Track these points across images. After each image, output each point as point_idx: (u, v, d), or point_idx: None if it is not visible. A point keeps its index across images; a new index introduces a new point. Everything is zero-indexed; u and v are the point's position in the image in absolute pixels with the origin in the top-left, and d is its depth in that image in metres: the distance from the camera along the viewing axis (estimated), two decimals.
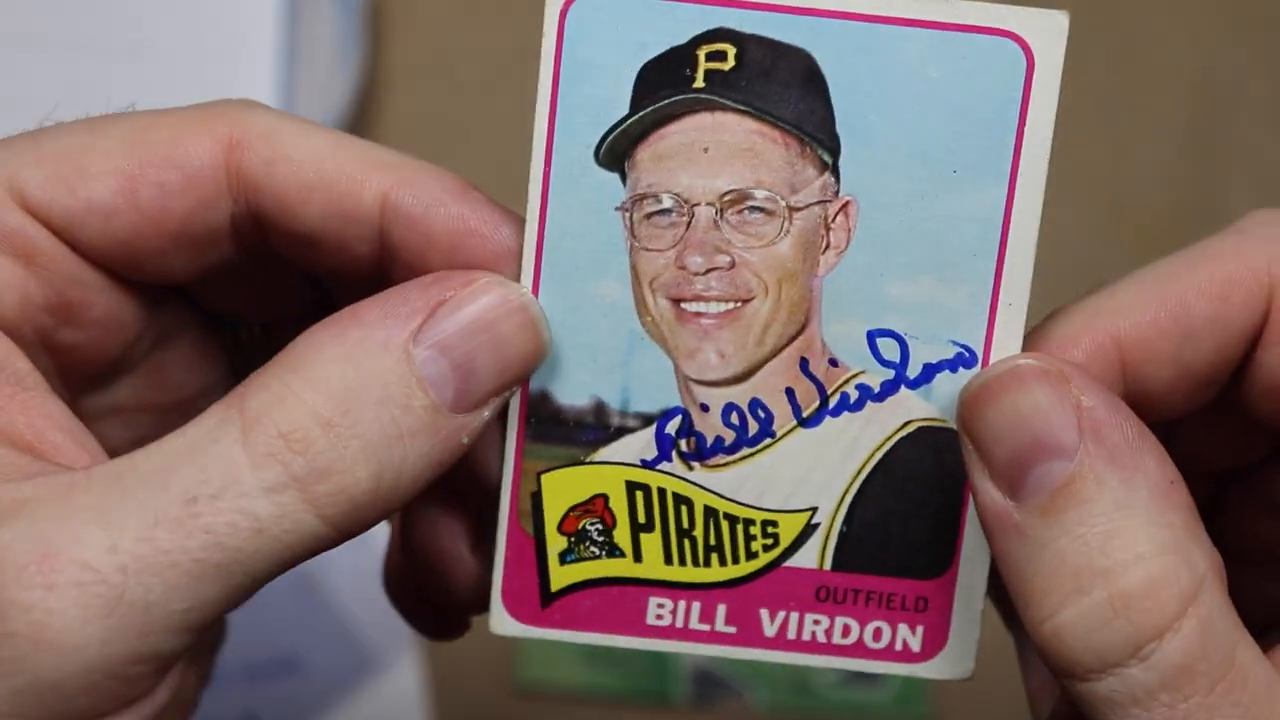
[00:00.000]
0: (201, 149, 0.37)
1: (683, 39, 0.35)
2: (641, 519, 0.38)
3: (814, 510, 0.38)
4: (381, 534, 0.43)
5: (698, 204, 0.36)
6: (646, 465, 0.38)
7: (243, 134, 0.37)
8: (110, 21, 0.66)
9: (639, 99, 0.36)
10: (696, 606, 0.39)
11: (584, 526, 0.38)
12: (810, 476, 0.38)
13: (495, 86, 0.73)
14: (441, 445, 0.35)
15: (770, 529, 0.38)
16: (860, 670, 0.39)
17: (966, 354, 0.37)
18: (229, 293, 0.41)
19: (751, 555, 0.38)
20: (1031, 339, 0.37)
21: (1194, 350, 0.37)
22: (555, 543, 0.38)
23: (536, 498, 0.38)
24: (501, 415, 0.37)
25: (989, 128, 0.36)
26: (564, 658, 0.71)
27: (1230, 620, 0.33)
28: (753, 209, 0.36)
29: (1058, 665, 0.33)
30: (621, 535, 0.38)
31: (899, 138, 0.36)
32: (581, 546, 0.38)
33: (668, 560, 0.38)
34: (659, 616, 0.39)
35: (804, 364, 0.37)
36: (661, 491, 0.38)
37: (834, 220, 0.36)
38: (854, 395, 0.37)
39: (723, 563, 0.38)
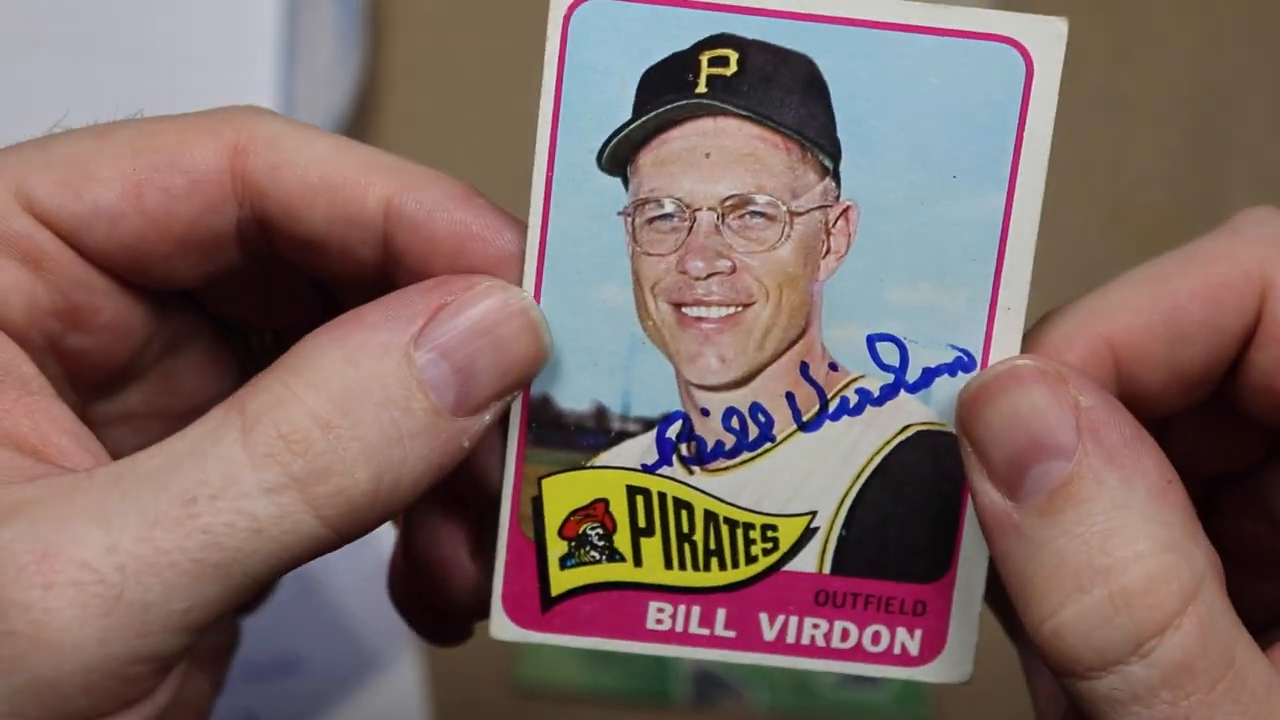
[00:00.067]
0: (207, 154, 0.37)
1: (685, 44, 0.35)
2: (642, 523, 0.38)
3: (813, 514, 0.38)
4: (384, 535, 0.43)
5: (699, 209, 0.36)
6: (647, 470, 0.38)
7: (248, 139, 0.37)
8: (110, 22, 0.66)
9: (641, 104, 0.36)
10: (696, 610, 0.39)
11: (584, 531, 0.38)
12: (810, 480, 0.38)
13: (495, 87, 0.73)
14: (442, 448, 0.35)
15: (770, 533, 0.38)
16: (859, 674, 0.39)
17: (965, 358, 0.37)
18: (237, 299, 0.41)
19: (751, 559, 0.38)
20: (1025, 342, 0.37)
21: (1187, 352, 0.37)
22: (556, 547, 0.38)
23: (537, 502, 0.38)
24: (503, 420, 0.37)
25: (988, 133, 0.36)
26: (564, 658, 0.71)
27: (1229, 619, 0.33)
28: (754, 214, 0.36)
29: (1058, 664, 0.33)
30: (622, 540, 0.38)
31: (899, 143, 0.36)
32: (582, 551, 0.38)
33: (668, 564, 0.38)
34: (659, 621, 0.39)
35: (804, 368, 0.37)
36: (662, 496, 0.38)
37: (834, 225, 0.36)
38: (854, 399, 0.38)
39: (722, 567, 0.39)
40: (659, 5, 0.35)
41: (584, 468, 0.38)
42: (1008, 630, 0.42)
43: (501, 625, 0.39)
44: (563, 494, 0.38)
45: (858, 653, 0.39)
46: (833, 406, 0.38)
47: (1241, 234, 0.37)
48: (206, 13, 0.67)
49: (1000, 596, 0.36)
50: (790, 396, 0.37)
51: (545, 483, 0.38)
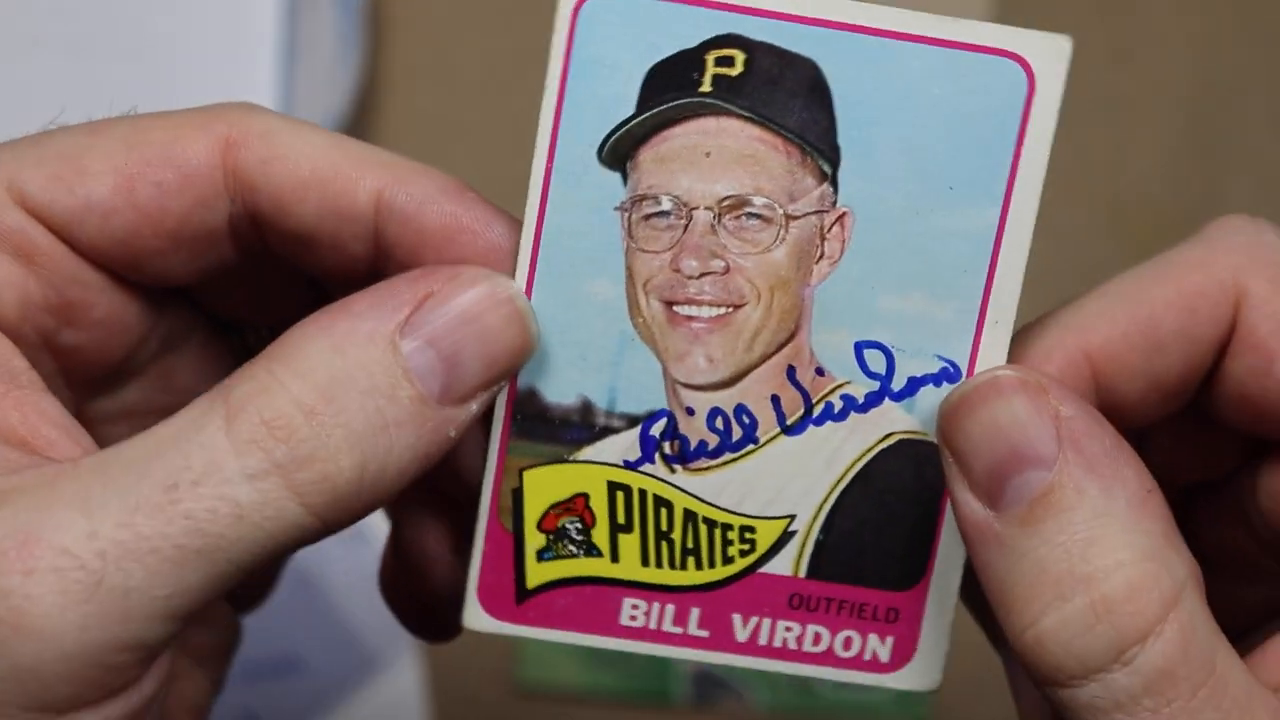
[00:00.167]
0: (198, 148, 0.37)
1: (692, 43, 0.35)
2: (621, 519, 0.38)
3: (792, 518, 0.38)
4: (382, 534, 0.43)
5: (696, 208, 0.36)
6: (629, 466, 0.38)
7: (240, 134, 0.37)
8: (110, 22, 0.66)
9: (645, 100, 0.36)
10: (670, 609, 0.39)
11: (563, 525, 0.38)
12: (791, 484, 0.38)
13: (495, 87, 0.73)
14: (429, 437, 0.34)
15: (748, 534, 0.38)
16: (828, 679, 0.39)
17: (951, 369, 0.37)
18: (232, 295, 0.41)
19: (728, 560, 0.38)
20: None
21: (1163, 361, 0.37)
22: (534, 540, 0.38)
23: (518, 494, 0.38)
24: (487, 413, 0.37)
25: (987, 147, 0.36)
26: (564, 658, 0.71)
27: (1210, 626, 0.33)
28: (750, 215, 0.36)
29: (1040, 673, 0.34)
30: (600, 535, 0.38)
31: (898, 152, 0.36)
32: (560, 545, 0.38)
33: (644, 562, 0.38)
34: (633, 618, 0.39)
35: (791, 372, 0.37)
36: (642, 493, 0.38)
37: (829, 230, 0.36)
38: (838, 405, 0.38)
39: (699, 566, 0.39)
40: (668, 2, 0.35)
41: (566, 461, 0.38)
42: (991, 638, 0.42)
43: (475, 615, 0.39)
44: (543, 487, 0.38)
45: (828, 657, 0.39)
46: (817, 411, 0.38)
47: (1215, 243, 0.38)
48: (206, 13, 0.67)
49: (983, 604, 0.36)
50: (775, 399, 0.38)
51: (527, 475, 0.38)
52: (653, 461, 0.38)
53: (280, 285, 0.41)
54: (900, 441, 0.38)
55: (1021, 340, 0.38)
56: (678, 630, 0.39)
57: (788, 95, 0.36)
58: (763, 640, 0.39)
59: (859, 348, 0.37)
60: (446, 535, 0.41)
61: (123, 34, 0.66)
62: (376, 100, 0.73)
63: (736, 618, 0.39)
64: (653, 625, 0.39)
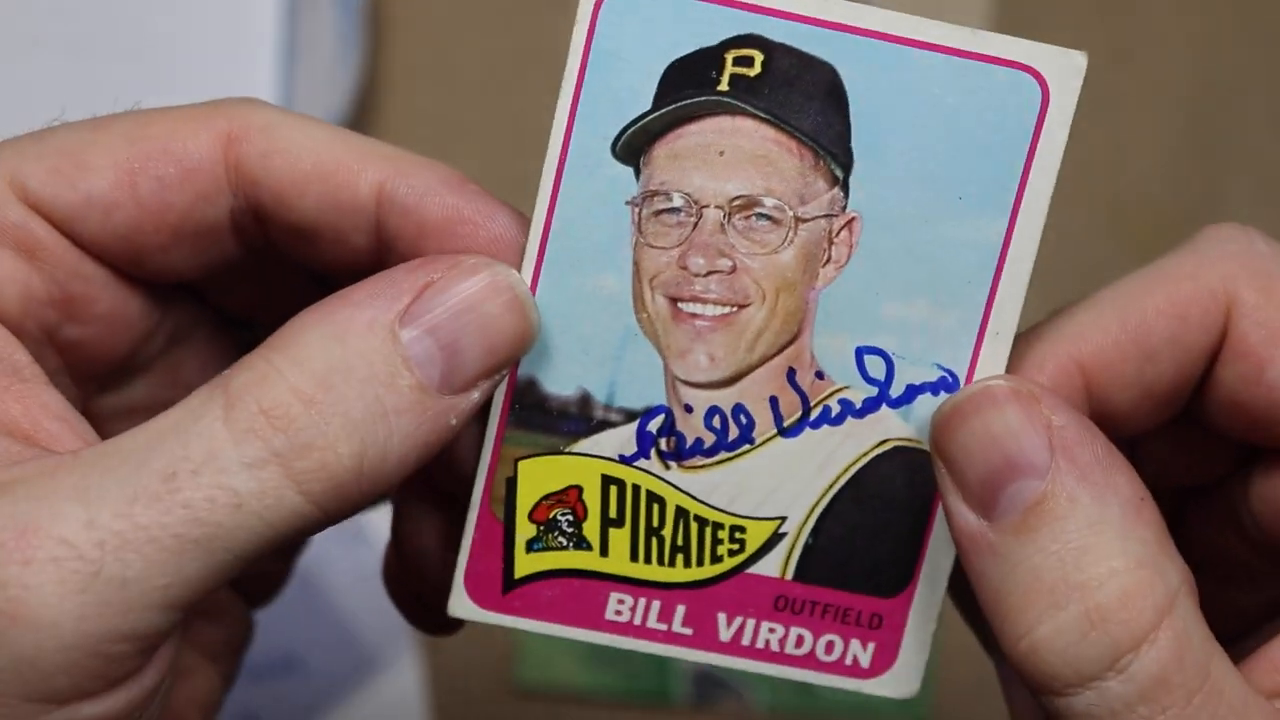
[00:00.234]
0: (200, 143, 0.37)
1: (712, 41, 0.35)
2: (613, 514, 0.38)
3: (783, 520, 0.38)
4: (383, 534, 0.43)
5: (707, 206, 0.36)
6: (624, 461, 0.38)
7: (241, 128, 0.37)
8: (111, 22, 0.66)
9: (662, 96, 0.36)
10: (656, 605, 0.39)
11: (555, 516, 0.38)
12: (783, 486, 0.38)
13: (495, 87, 0.73)
14: (429, 426, 0.34)
15: (738, 534, 0.38)
16: (808, 682, 0.39)
17: (949, 378, 0.37)
18: (237, 291, 0.41)
19: (716, 559, 0.38)
20: None
21: (1155, 370, 0.38)
22: (524, 530, 0.38)
23: (511, 483, 0.38)
24: (486, 403, 0.37)
25: (998, 159, 0.36)
26: (564, 658, 0.71)
27: (1204, 632, 0.34)
28: (760, 216, 0.36)
29: (1035, 682, 0.34)
30: (591, 528, 0.38)
31: (910, 160, 0.36)
32: (550, 536, 0.38)
33: (634, 557, 0.38)
34: (618, 612, 0.39)
35: (791, 374, 0.37)
36: (636, 488, 0.38)
37: (838, 235, 0.36)
38: (836, 409, 0.38)
39: (687, 564, 0.38)
40: (690, 0, 0.35)
41: (562, 453, 0.38)
42: (985, 646, 0.42)
43: (460, 603, 0.39)
44: (538, 477, 0.38)
45: (810, 660, 0.39)
46: (814, 414, 0.38)
47: (1205, 252, 0.38)
48: (206, 13, 0.67)
49: (976, 612, 0.36)
50: (774, 401, 0.38)
51: (522, 464, 0.38)
52: (648, 457, 0.38)
53: (284, 280, 0.41)
54: (895, 448, 0.38)
55: (1014, 350, 0.38)
56: (662, 627, 0.39)
57: (804, 98, 0.36)
58: (745, 640, 0.39)
59: (860, 353, 0.37)
60: (444, 529, 0.41)
61: (123, 34, 0.66)
62: (376, 100, 0.73)
63: (721, 617, 0.39)
64: (637, 621, 0.39)
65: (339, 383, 0.33)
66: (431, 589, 0.41)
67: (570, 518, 0.38)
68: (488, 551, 0.38)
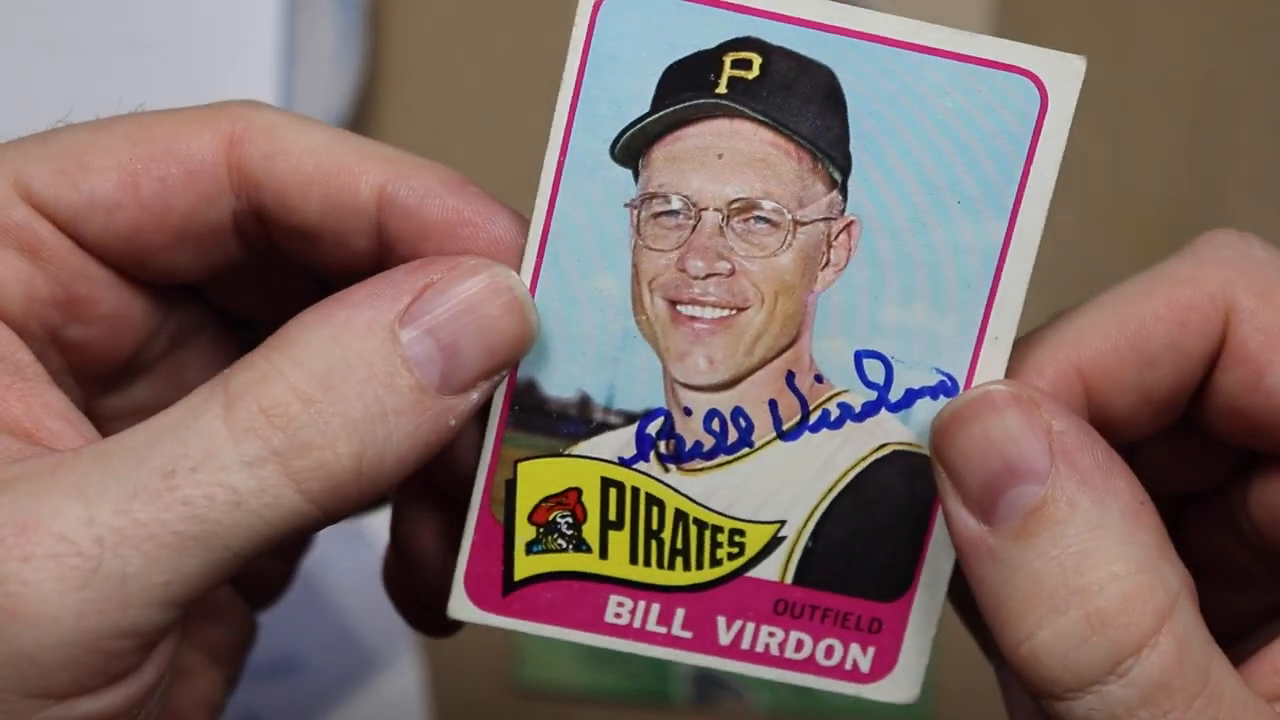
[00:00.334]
0: (202, 144, 0.37)
1: (711, 44, 0.36)
2: (612, 516, 0.38)
3: (782, 523, 0.38)
4: (383, 534, 0.43)
5: (705, 208, 0.36)
6: (624, 463, 0.38)
7: (243, 130, 0.37)
8: (111, 22, 0.67)
9: (660, 98, 0.36)
10: (656, 608, 0.39)
11: (554, 518, 0.38)
12: (783, 489, 0.38)
13: (495, 87, 0.73)
14: (429, 426, 0.34)
15: (737, 538, 0.38)
16: (808, 686, 0.39)
17: (949, 382, 0.37)
18: (239, 293, 0.41)
19: (716, 562, 0.38)
20: None
21: (1154, 376, 0.38)
22: (524, 532, 0.38)
23: (511, 485, 0.38)
24: (486, 404, 0.37)
25: (997, 163, 0.36)
26: (564, 658, 0.71)
27: (1204, 636, 0.34)
28: (759, 219, 0.36)
29: (1036, 687, 0.34)
30: (590, 531, 0.38)
31: (909, 163, 0.36)
32: (549, 538, 0.38)
33: (633, 560, 0.38)
34: (618, 615, 0.39)
35: (790, 377, 0.37)
36: (635, 491, 0.38)
37: (836, 238, 0.37)
38: (835, 413, 0.38)
39: (687, 567, 0.39)
40: (688, 2, 0.35)
41: (561, 455, 0.38)
42: (984, 650, 0.42)
43: (460, 605, 0.39)
44: (537, 479, 0.38)
45: (809, 665, 0.39)
46: (813, 418, 0.38)
47: (1204, 257, 0.38)
48: (206, 13, 0.67)
49: (976, 617, 0.36)
50: (773, 404, 0.38)
51: (521, 466, 0.38)
52: (647, 460, 0.38)
53: (286, 281, 0.41)
54: (894, 453, 0.38)
55: (1013, 355, 0.38)
56: (662, 630, 0.39)
57: (802, 101, 0.36)
58: (745, 644, 0.39)
59: (859, 357, 0.37)
60: (444, 531, 0.41)
61: (123, 34, 0.66)
62: (376, 100, 0.73)
63: (721, 620, 0.39)
64: (637, 624, 0.39)
65: (338, 382, 0.33)
66: (431, 590, 0.41)
67: (570, 520, 0.38)
68: (487, 553, 0.38)
